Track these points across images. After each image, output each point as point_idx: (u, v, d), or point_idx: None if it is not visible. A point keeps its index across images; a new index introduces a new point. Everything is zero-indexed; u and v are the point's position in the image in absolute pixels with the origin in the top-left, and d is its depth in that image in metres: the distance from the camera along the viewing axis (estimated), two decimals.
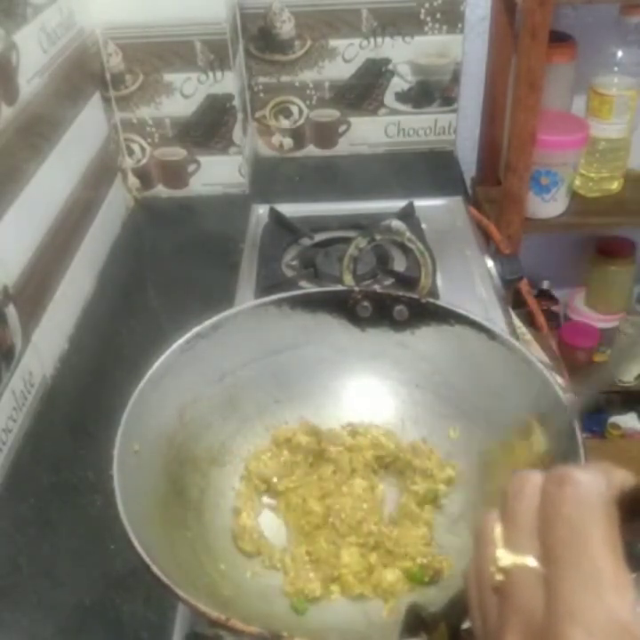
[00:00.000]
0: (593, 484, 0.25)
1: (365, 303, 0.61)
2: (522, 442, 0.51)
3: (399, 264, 0.86)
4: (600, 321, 1.45)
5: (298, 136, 1.19)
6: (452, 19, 1.08)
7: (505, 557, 0.26)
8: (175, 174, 1.09)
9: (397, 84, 1.14)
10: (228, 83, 1.01)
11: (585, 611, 0.23)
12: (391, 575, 0.49)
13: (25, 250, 0.74)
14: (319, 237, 0.92)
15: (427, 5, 1.07)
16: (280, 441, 0.58)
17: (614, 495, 0.25)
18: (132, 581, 0.55)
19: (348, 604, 0.50)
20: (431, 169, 1.14)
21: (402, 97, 1.16)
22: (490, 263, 0.88)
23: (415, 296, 0.60)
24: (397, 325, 0.61)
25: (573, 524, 0.25)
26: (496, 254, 0.94)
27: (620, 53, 1.10)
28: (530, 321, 1.05)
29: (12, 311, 0.69)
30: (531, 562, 0.25)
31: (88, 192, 0.92)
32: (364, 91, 1.15)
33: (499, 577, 0.26)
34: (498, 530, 0.28)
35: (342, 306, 0.61)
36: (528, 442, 0.50)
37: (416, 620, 0.36)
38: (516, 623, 0.25)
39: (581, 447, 0.46)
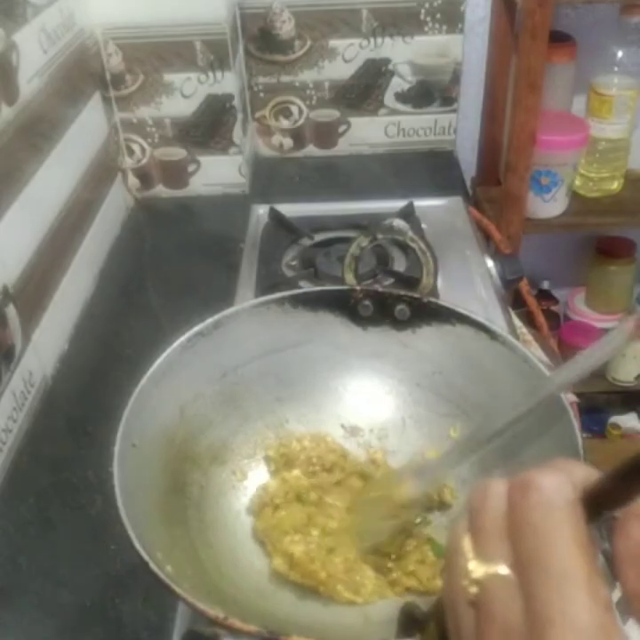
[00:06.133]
0: (557, 487, 0.25)
1: (367, 302, 0.61)
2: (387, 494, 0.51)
3: (399, 264, 0.86)
4: (600, 321, 1.45)
5: (298, 136, 1.19)
6: (452, 19, 1.08)
7: (477, 569, 0.26)
8: (175, 174, 1.09)
9: (397, 84, 1.14)
10: (228, 83, 1.01)
11: (561, 614, 0.23)
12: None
13: (25, 250, 0.74)
14: (319, 237, 0.92)
15: (427, 5, 1.07)
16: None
17: (579, 494, 0.25)
18: (131, 581, 0.55)
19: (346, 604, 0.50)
20: (431, 169, 1.14)
21: (402, 97, 1.16)
22: (490, 263, 0.88)
23: (417, 295, 0.60)
24: (399, 324, 0.60)
25: (541, 530, 0.25)
26: (496, 254, 0.94)
27: (620, 53, 1.10)
28: (530, 321, 1.05)
29: (12, 311, 0.69)
30: (503, 570, 0.25)
31: (88, 192, 0.92)
32: (364, 91, 1.15)
33: (473, 589, 0.26)
34: (467, 542, 0.27)
35: (344, 305, 0.61)
36: (392, 494, 0.50)
37: (410, 620, 0.36)
38: (494, 634, 0.25)
39: (581, 447, 0.46)
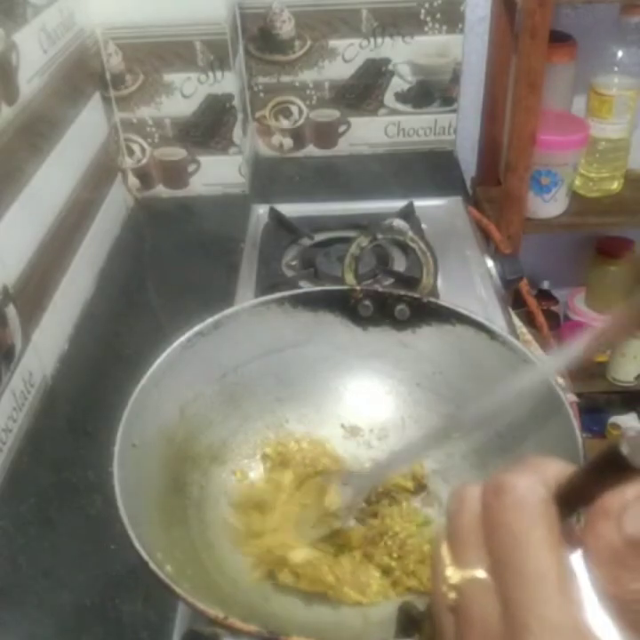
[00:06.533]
0: (529, 487, 0.25)
1: (367, 302, 0.61)
2: (318, 502, 0.51)
3: (399, 264, 0.86)
4: (600, 321, 1.44)
5: (298, 136, 1.19)
6: (452, 19, 1.08)
7: (454, 575, 0.26)
8: (175, 174, 1.09)
9: (397, 84, 1.14)
10: (228, 83, 1.01)
11: (536, 617, 0.23)
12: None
13: (25, 250, 0.74)
14: (319, 237, 0.92)
15: (427, 5, 1.07)
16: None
17: (552, 492, 0.25)
18: (131, 581, 0.55)
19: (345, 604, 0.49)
20: (431, 169, 1.14)
21: (402, 97, 1.16)
22: (490, 263, 0.88)
23: (417, 295, 0.60)
24: (399, 324, 0.60)
25: (514, 531, 0.25)
26: (496, 254, 0.94)
27: (620, 53, 1.10)
28: (530, 321, 1.05)
29: (12, 311, 0.69)
30: (480, 574, 0.25)
31: (88, 192, 0.92)
32: (364, 91, 1.15)
33: (452, 595, 0.26)
34: (444, 548, 0.27)
35: (344, 305, 0.61)
36: (323, 501, 0.50)
37: (408, 619, 0.36)
38: (474, 638, 0.25)
39: (581, 447, 0.46)
